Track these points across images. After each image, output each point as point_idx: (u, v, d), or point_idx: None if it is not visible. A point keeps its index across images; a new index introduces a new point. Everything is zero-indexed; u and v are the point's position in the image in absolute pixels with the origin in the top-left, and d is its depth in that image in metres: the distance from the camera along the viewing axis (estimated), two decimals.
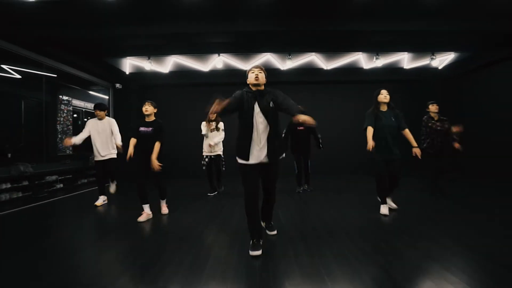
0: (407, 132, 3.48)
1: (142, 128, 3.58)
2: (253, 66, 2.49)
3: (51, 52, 5.34)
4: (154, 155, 3.45)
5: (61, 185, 6.79)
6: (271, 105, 2.36)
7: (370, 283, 1.86)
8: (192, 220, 3.51)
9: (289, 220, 3.38)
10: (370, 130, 3.37)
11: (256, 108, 2.35)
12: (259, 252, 2.31)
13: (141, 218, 3.53)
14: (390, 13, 4.56)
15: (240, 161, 2.43)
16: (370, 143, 3.27)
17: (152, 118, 3.67)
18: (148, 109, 3.61)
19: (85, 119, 8.98)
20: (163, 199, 3.95)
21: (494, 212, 3.55)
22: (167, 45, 5.62)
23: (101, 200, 4.69)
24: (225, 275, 2.02)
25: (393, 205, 3.69)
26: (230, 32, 4.85)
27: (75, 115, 8.57)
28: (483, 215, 3.43)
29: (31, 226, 3.54)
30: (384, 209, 3.49)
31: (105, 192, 4.78)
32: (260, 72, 2.43)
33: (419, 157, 3.42)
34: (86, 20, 4.51)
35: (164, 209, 3.92)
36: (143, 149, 3.53)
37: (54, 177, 6.56)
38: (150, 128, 3.59)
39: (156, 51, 5.84)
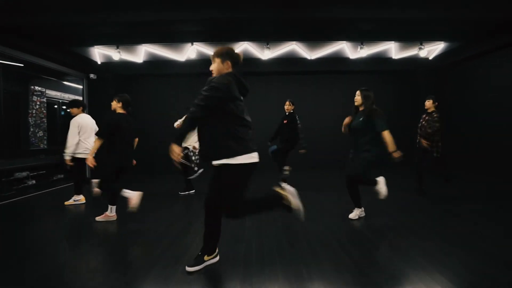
0: (384, 134, 3.08)
1: None
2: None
3: (14, 42, 4.96)
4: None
5: (33, 182, 6.55)
6: None
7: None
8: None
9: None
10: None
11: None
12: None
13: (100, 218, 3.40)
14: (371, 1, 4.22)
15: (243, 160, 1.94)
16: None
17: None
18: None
19: (62, 112, 8.67)
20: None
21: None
22: (134, 33, 5.25)
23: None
24: None
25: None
26: (199, 20, 4.50)
27: (55, 106, 8.24)
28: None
29: None
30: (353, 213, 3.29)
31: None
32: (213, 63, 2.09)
33: (396, 160, 3.10)
34: (46, 6, 4.14)
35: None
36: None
37: (24, 173, 6.30)
38: None
39: (124, 40, 5.47)
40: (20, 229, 3.31)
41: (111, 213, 3.45)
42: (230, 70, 2.04)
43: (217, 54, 2.05)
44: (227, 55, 2.04)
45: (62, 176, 7.36)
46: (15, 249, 2.68)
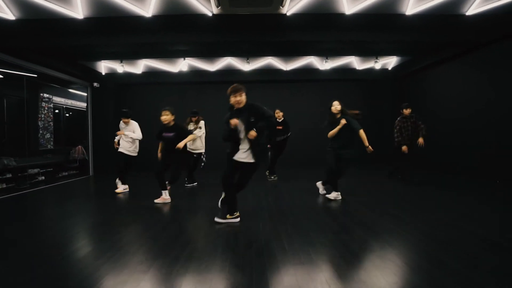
0: (361, 132, 4.08)
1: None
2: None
3: (30, 57, 5.91)
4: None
5: (43, 178, 7.42)
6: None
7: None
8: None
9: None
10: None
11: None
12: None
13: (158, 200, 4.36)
14: (331, 25, 5.20)
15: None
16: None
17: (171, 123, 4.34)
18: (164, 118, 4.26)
19: (66, 114, 9.56)
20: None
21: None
22: (135, 51, 6.24)
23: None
24: None
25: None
26: (189, 42, 5.48)
27: (56, 111, 9.13)
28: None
29: (15, 211, 4.27)
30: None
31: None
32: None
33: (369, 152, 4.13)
34: (60, 32, 5.06)
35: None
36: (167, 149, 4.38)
37: (36, 170, 7.19)
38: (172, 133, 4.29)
39: (126, 56, 6.47)
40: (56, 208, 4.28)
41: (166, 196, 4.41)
42: None
43: (244, 90, 3.13)
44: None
45: (66, 173, 8.25)
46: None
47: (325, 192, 4.54)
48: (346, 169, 4.23)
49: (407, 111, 5.46)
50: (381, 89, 8.74)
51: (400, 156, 5.57)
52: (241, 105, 3.11)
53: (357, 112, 4.22)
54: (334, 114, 4.19)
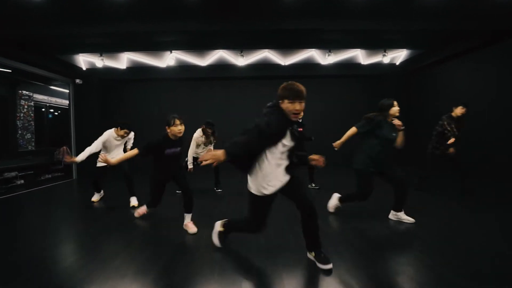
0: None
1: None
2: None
3: (2, 50, 5.28)
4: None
5: (22, 181, 6.87)
6: None
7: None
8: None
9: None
10: None
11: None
12: None
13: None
14: (336, 12, 4.60)
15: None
16: None
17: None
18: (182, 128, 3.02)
19: (55, 113, 8.98)
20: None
21: None
22: (116, 43, 5.61)
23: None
24: None
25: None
26: (177, 31, 4.86)
27: (42, 109, 8.55)
28: None
29: None
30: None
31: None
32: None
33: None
34: (33, 18, 4.45)
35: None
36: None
37: (13, 174, 6.63)
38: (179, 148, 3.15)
39: (106, 49, 5.84)
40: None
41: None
42: None
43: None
44: None
45: (49, 176, 7.69)
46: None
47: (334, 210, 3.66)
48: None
49: (462, 110, 4.45)
50: (388, 85, 8.04)
51: (435, 163, 4.64)
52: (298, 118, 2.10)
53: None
54: (388, 116, 3.28)
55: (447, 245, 2.62)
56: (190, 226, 3.07)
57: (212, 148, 4.82)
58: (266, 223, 2.25)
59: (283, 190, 2.17)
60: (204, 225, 3.08)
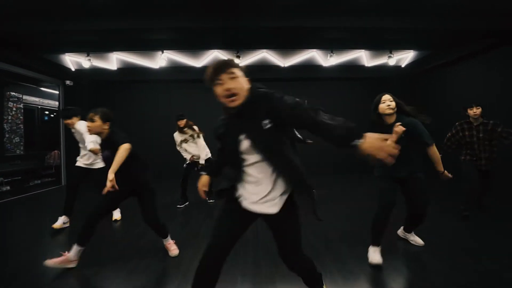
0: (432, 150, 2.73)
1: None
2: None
3: None
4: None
5: (8, 188, 6.56)
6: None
7: None
8: None
9: None
10: None
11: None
12: None
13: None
14: (339, 8, 4.26)
15: None
16: None
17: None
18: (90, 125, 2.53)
19: (46, 118, 8.67)
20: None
21: None
22: (104, 41, 5.29)
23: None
24: None
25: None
26: (169, 28, 4.52)
27: (33, 111, 8.24)
28: None
29: None
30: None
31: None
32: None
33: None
34: (15, 14, 4.13)
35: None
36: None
37: None
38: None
39: (94, 48, 5.51)
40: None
41: None
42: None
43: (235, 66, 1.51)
44: None
45: (39, 181, 7.38)
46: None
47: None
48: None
49: (477, 111, 3.60)
50: (392, 88, 7.65)
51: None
52: (237, 102, 1.45)
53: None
54: (382, 116, 2.58)
55: None
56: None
57: (201, 140, 4.41)
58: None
59: None
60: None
